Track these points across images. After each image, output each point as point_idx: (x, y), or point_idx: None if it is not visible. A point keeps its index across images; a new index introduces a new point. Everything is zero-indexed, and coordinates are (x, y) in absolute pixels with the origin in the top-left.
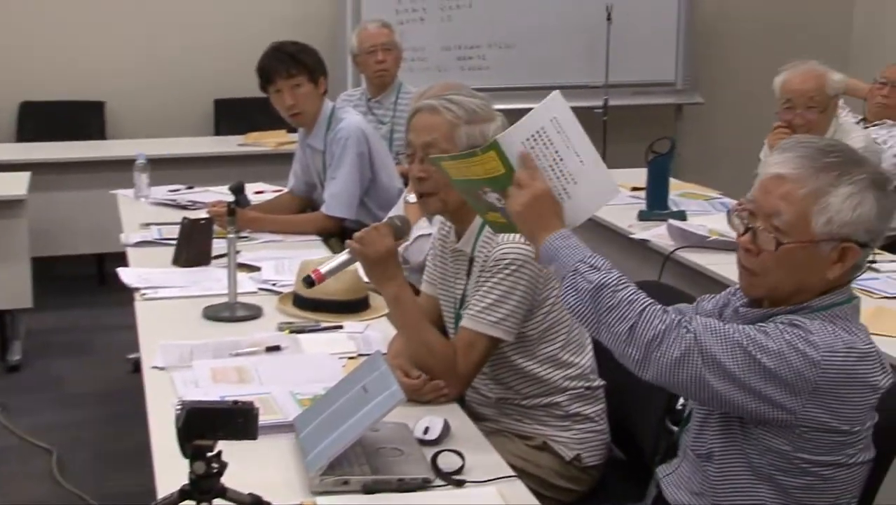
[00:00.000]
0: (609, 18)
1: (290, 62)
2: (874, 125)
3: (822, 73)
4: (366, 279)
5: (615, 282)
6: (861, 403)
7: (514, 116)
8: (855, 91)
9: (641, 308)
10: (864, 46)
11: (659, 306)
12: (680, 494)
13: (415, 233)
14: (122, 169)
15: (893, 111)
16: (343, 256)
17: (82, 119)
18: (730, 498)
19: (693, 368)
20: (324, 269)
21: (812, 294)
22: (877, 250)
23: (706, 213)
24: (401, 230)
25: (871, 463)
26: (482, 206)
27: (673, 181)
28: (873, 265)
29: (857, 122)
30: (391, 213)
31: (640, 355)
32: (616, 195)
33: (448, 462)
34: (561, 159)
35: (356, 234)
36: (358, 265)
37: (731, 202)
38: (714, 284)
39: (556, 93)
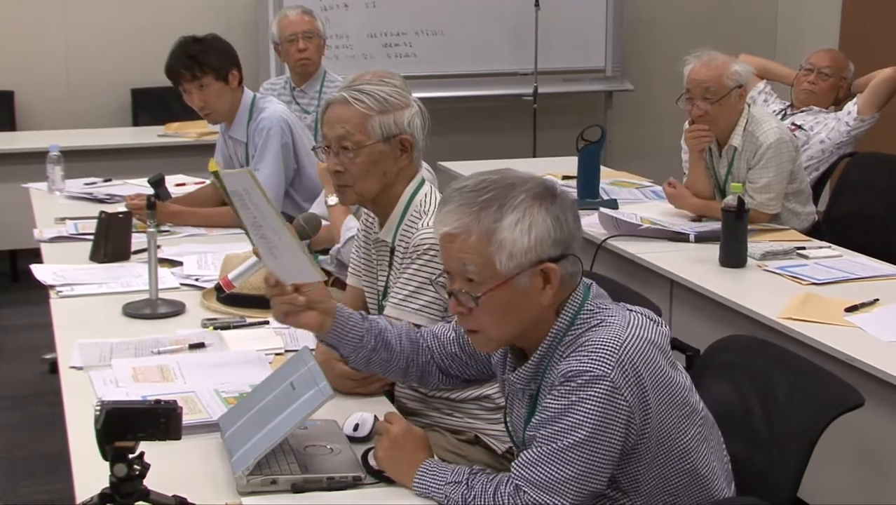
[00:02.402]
0: (537, 4)
1: (194, 65)
2: (801, 111)
3: (722, 64)
4: None
5: (466, 499)
6: (661, 382)
7: (443, 104)
8: (781, 77)
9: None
10: (790, 33)
11: (502, 491)
12: None
13: (344, 235)
14: (34, 161)
15: (819, 97)
16: (251, 261)
17: None
18: None
19: None
20: (232, 275)
21: (547, 323)
22: (804, 237)
23: (638, 201)
24: (305, 230)
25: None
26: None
27: (604, 169)
28: (802, 252)
29: (784, 109)
30: (313, 209)
31: None
32: (318, 280)
33: None
34: (261, 226)
35: None
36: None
37: (661, 190)
38: (646, 272)
39: (246, 169)
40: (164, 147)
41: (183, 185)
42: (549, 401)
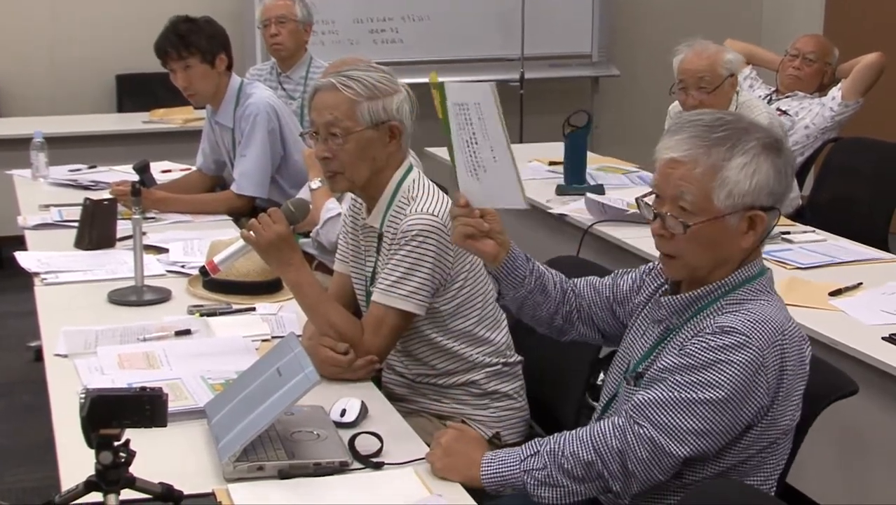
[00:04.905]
0: None
1: (180, 44)
2: (786, 97)
3: (714, 53)
4: None
5: (553, 450)
6: (799, 382)
7: (430, 90)
8: (766, 63)
9: (591, 449)
10: (775, 19)
11: (602, 425)
12: None
13: (323, 216)
14: (17, 148)
15: (804, 83)
16: (238, 244)
17: None
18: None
19: (667, 456)
20: (218, 258)
21: (730, 267)
22: (790, 221)
23: (624, 186)
24: (294, 215)
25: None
26: None
27: (590, 155)
28: (786, 236)
29: (769, 94)
30: (299, 196)
31: (623, 484)
32: (520, 207)
33: (366, 444)
34: (476, 143)
35: (250, 221)
36: None
37: (648, 175)
38: (633, 257)
39: (490, 84)
40: (150, 133)
41: (168, 171)
42: (695, 347)
